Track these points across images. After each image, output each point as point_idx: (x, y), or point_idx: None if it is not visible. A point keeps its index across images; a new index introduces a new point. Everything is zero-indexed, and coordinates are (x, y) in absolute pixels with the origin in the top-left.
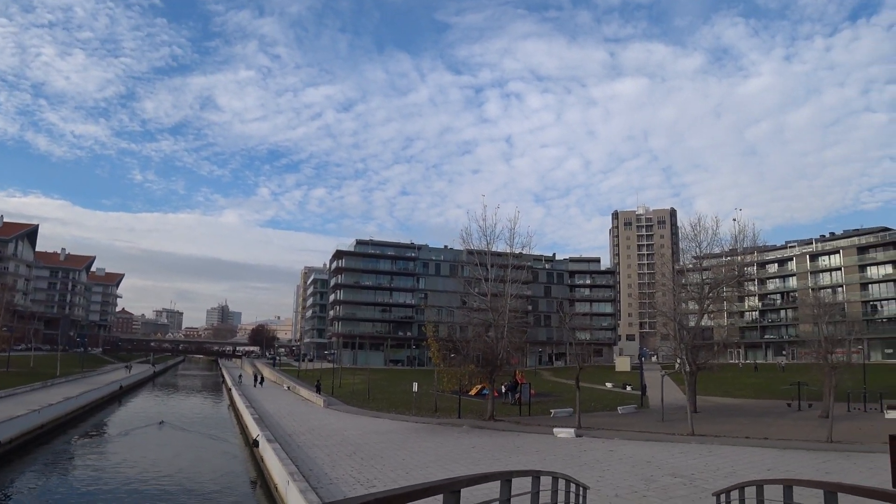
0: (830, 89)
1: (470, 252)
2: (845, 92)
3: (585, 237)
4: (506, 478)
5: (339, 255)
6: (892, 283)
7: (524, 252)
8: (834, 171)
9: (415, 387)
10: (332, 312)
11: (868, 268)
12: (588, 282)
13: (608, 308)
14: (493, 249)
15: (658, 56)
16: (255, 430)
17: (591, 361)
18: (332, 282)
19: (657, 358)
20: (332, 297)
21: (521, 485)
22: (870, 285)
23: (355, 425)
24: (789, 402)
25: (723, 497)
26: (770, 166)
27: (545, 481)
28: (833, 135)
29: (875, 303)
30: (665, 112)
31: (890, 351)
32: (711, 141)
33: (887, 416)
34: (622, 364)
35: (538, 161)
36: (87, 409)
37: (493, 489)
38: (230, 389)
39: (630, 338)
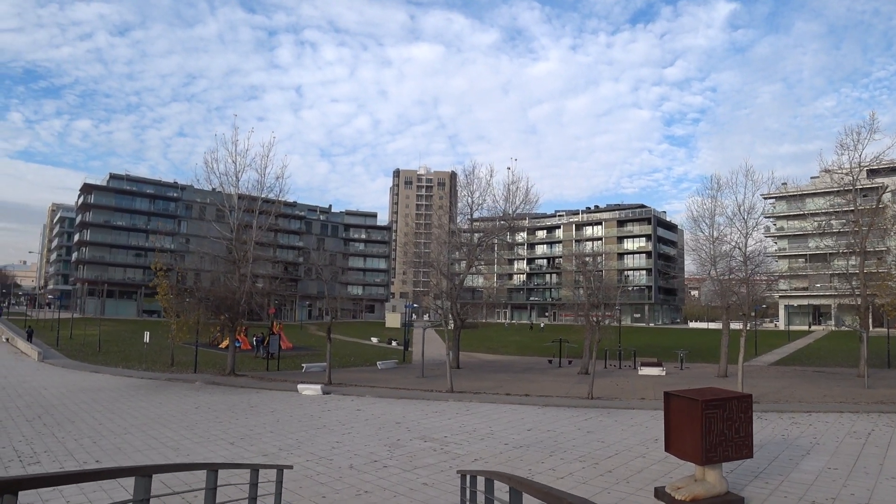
0: (607, 83)
1: (240, 197)
2: (619, 87)
3: (369, 197)
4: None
5: (87, 189)
6: (643, 255)
7: (276, 186)
8: (601, 157)
9: (146, 337)
10: (76, 255)
11: (625, 240)
12: (364, 236)
13: (383, 264)
14: (246, 184)
15: (457, 26)
16: None
17: (363, 317)
18: (79, 219)
19: (429, 316)
20: (76, 238)
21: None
22: (625, 256)
23: (63, 382)
24: (550, 358)
25: (468, 479)
26: (547, 145)
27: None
28: (604, 124)
29: (628, 272)
30: (457, 82)
31: (638, 315)
32: (497, 115)
33: (640, 372)
34: (393, 320)
35: (327, 115)
36: None
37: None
38: None
39: (404, 296)
